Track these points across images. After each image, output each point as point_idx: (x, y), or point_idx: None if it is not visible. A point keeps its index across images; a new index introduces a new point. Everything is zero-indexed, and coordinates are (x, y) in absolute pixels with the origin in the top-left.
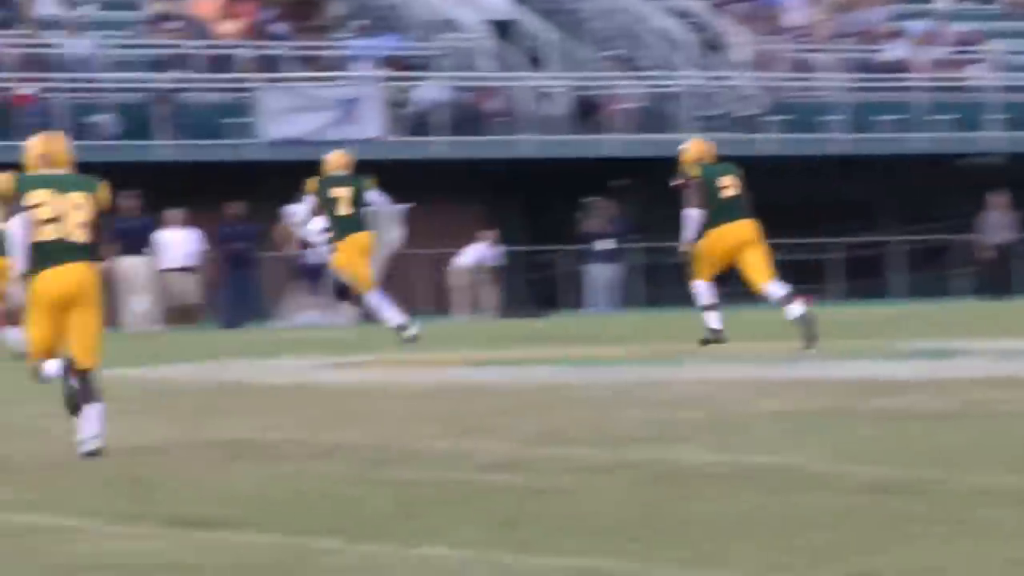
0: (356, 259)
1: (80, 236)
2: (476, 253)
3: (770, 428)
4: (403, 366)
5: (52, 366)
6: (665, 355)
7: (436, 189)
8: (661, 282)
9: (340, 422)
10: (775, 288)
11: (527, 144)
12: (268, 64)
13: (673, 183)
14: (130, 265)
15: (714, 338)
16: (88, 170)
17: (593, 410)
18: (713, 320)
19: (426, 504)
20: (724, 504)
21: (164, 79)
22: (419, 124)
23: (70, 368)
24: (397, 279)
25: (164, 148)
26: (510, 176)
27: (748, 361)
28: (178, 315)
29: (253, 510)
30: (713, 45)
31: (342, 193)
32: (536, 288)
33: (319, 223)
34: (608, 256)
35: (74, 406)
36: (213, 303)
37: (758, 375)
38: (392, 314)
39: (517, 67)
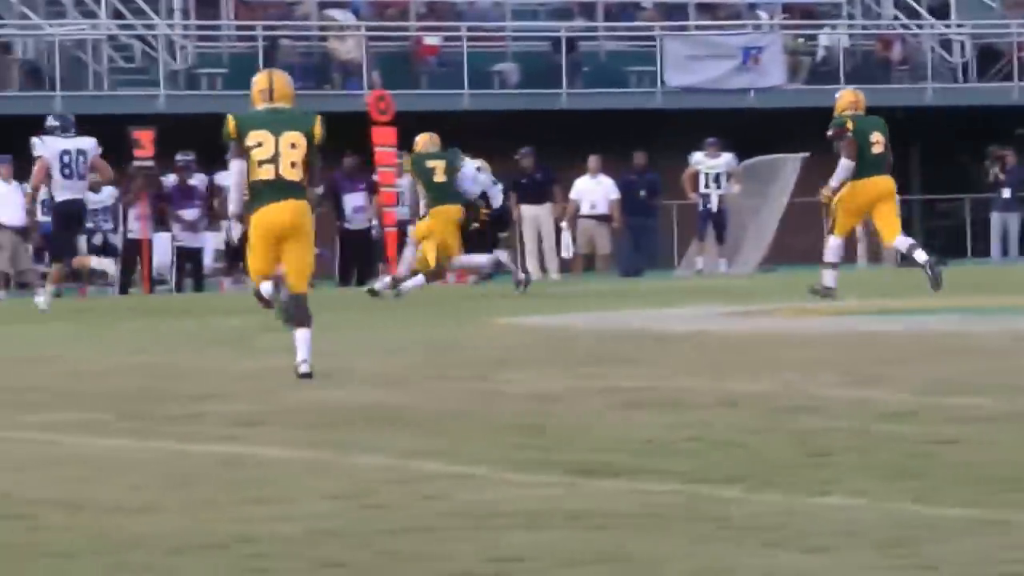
0: (444, 230)
1: (293, 175)
2: None
3: None
4: (801, 315)
5: (266, 286)
6: None
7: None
8: None
9: (739, 370)
10: (902, 241)
11: (930, 92)
12: (671, 12)
13: (828, 134)
14: (530, 215)
15: (826, 294)
16: (485, 119)
17: (992, 359)
18: (828, 278)
19: (823, 453)
20: None
21: (567, 27)
22: (821, 72)
23: (281, 285)
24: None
25: (564, 96)
26: (910, 125)
27: None
28: (584, 263)
29: (652, 458)
30: None
31: (437, 164)
32: (938, 237)
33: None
34: (1010, 205)
35: (288, 317)
36: (615, 251)
37: None
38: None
39: (920, 15)
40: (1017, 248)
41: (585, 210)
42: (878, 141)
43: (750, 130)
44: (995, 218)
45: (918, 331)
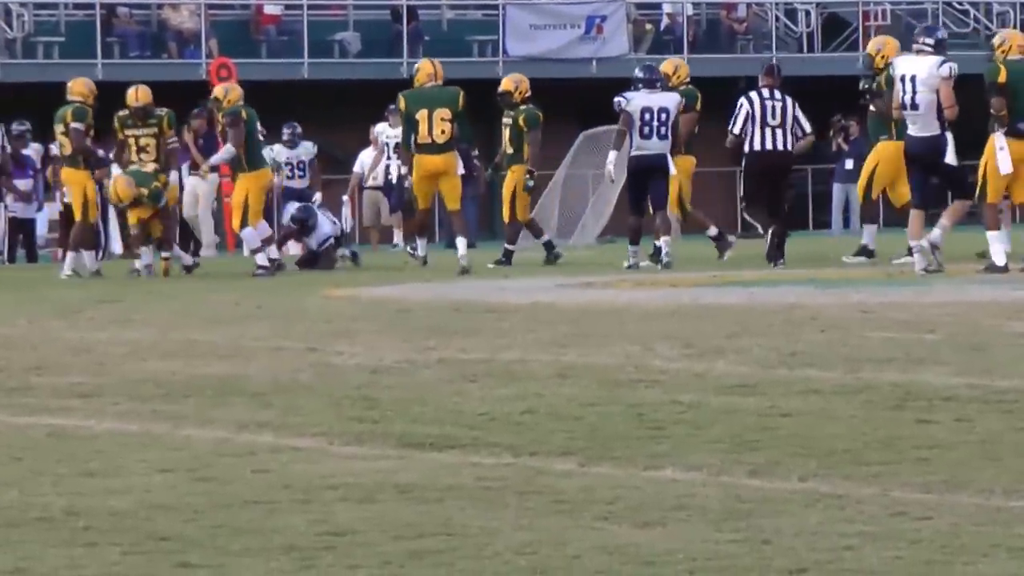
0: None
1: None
2: None
3: (1017, 351)
4: (643, 286)
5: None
6: (910, 276)
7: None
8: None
9: (577, 342)
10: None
11: (775, 61)
12: None
13: None
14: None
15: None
16: (329, 88)
17: (834, 332)
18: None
19: (661, 426)
20: (964, 428)
21: None
22: (665, 41)
23: None
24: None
25: (405, 66)
26: None
27: (1002, 283)
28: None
29: (485, 431)
30: None
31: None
32: None
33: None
34: (852, 176)
35: None
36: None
37: (1013, 297)
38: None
39: None
40: (859, 220)
41: (370, 182)
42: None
43: (593, 100)
44: (837, 189)
45: (760, 303)
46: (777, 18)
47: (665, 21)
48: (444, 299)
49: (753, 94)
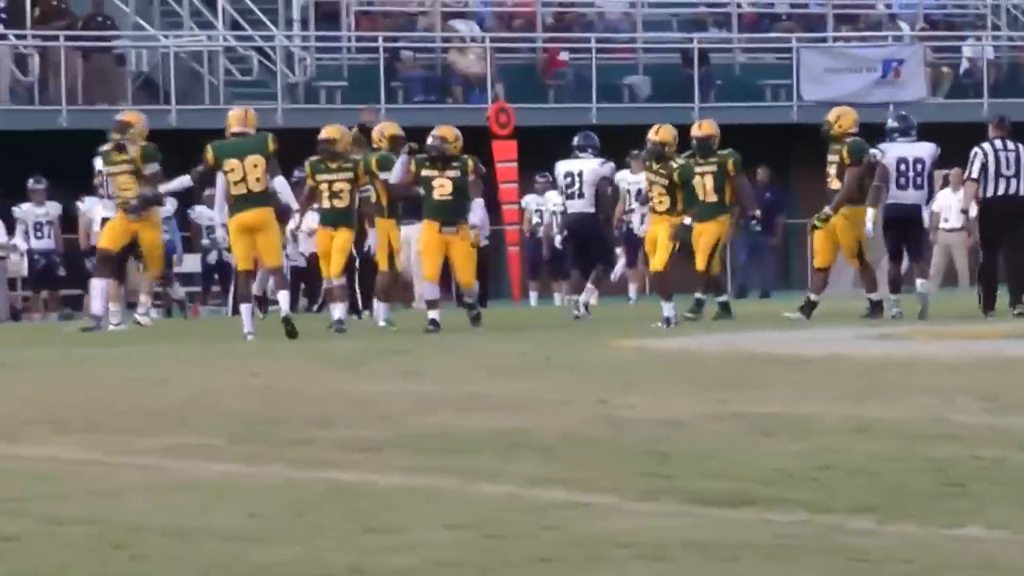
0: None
1: None
2: None
3: None
4: (940, 338)
5: None
6: None
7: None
8: None
9: (874, 395)
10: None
11: None
12: (808, 23)
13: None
14: None
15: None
16: (615, 134)
17: None
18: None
19: (961, 483)
20: None
21: (700, 39)
22: (964, 85)
23: None
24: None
25: (697, 111)
26: None
27: None
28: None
29: (780, 487)
30: None
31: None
32: None
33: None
34: None
35: None
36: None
37: None
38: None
39: None
40: None
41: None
42: None
43: None
44: None
45: None
46: None
47: (965, 65)
48: (735, 350)
49: (986, 145)
